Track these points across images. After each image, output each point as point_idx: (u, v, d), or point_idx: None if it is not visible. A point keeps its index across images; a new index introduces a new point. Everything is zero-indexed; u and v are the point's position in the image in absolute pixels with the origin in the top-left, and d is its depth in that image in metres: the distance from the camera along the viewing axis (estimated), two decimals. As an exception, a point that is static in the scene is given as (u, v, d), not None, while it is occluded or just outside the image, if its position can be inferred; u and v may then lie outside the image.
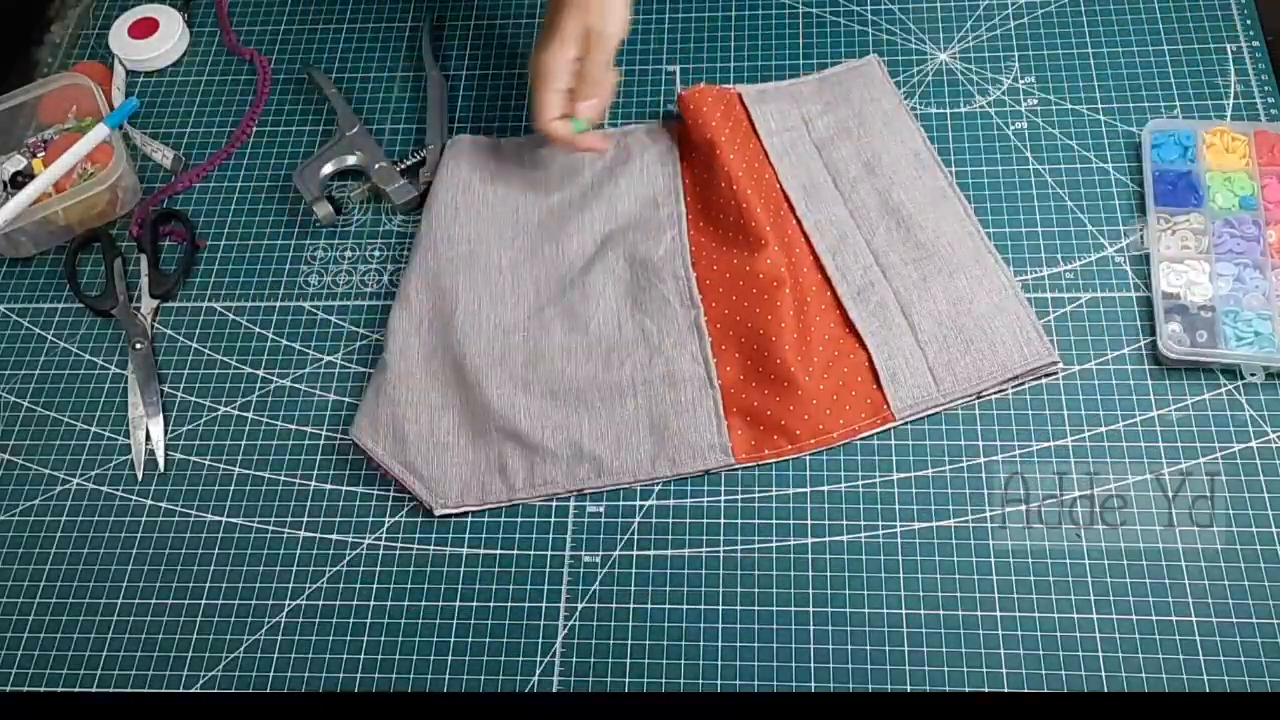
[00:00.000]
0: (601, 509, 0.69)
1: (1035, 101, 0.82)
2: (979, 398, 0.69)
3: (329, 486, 0.71)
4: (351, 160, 0.82)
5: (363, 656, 0.65)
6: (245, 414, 0.74)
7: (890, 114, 0.80)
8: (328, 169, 0.81)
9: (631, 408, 0.70)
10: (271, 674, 0.65)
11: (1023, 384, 0.70)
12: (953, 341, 0.70)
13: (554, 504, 0.69)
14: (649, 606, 0.65)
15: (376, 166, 0.81)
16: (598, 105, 0.74)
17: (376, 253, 0.80)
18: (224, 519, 0.71)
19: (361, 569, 0.68)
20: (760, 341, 0.71)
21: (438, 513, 0.68)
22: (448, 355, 0.73)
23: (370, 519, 0.70)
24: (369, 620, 0.66)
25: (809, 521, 0.67)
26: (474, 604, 0.66)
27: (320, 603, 0.67)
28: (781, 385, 0.70)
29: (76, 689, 0.66)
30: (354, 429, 0.71)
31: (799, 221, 0.76)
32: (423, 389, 0.72)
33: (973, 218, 0.75)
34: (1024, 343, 0.70)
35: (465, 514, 0.69)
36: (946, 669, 0.62)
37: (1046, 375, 0.70)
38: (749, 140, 0.80)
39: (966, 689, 0.62)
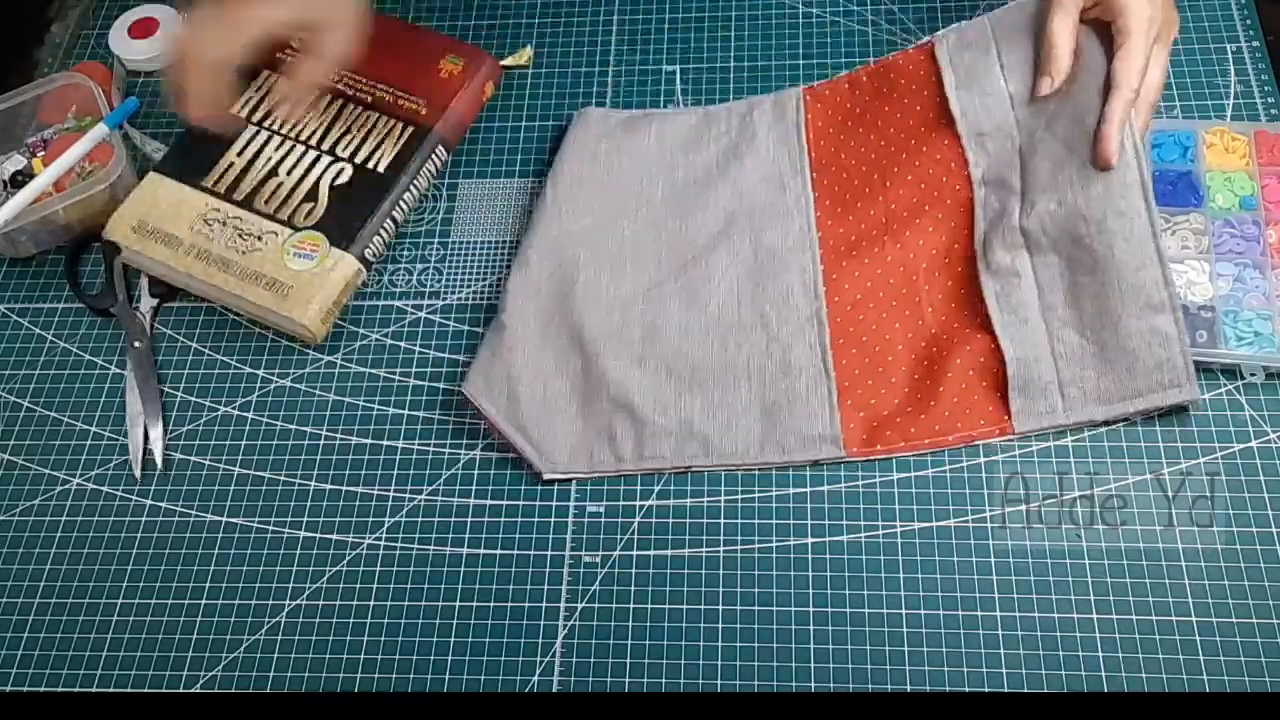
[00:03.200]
0: (601, 509, 0.69)
1: (1035, 101, 0.81)
2: (1104, 424, 0.67)
3: (329, 486, 0.71)
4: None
5: (363, 656, 0.65)
6: (245, 414, 0.74)
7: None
8: None
9: (745, 391, 0.70)
10: (271, 674, 0.65)
11: (1151, 417, 0.67)
12: (1090, 361, 0.66)
13: (554, 504, 0.69)
14: (649, 606, 0.65)
15: None
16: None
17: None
18: (224, 519, 0.71)
19: (361, 569, 0.68)
20: (883, 339, 0.71)
21: (545, 476, 0.69)
22: (565, 322, 0.73)
23: (370, 519, 0.70)
24: (369, 620, 0.66)
25: (809, 521, 0.67)
26: (474, 604, 0.66)
27: (320, 603, 0.67)
28: (902, 386, 0.69)
29: (76, 689, 0.66)
30: (466, 385, 0.71)
31: (968, 174, 0.73)
32: (537, 353, 0.72)
33: (1148, 192, 0.66)
34: (1166, 374, 0.65)
35: (569, 479, 0.69)
36: (946, 669, 0.62)
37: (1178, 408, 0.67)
38: (923, 91, 0.76)
39: (966, 689, 0.62)
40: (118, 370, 0.77)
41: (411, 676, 0.64)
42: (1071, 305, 0.68)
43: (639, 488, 0.69)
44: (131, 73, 0.92)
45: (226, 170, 0.79)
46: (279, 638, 0.66)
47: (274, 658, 0.66)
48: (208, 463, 0.73)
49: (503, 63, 0.87)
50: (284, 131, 0.81)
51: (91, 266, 0.82)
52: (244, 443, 0.73)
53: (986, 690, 0.61)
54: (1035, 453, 0.68)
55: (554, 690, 0.63)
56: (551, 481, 0.69)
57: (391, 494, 0.70)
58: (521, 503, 0.69)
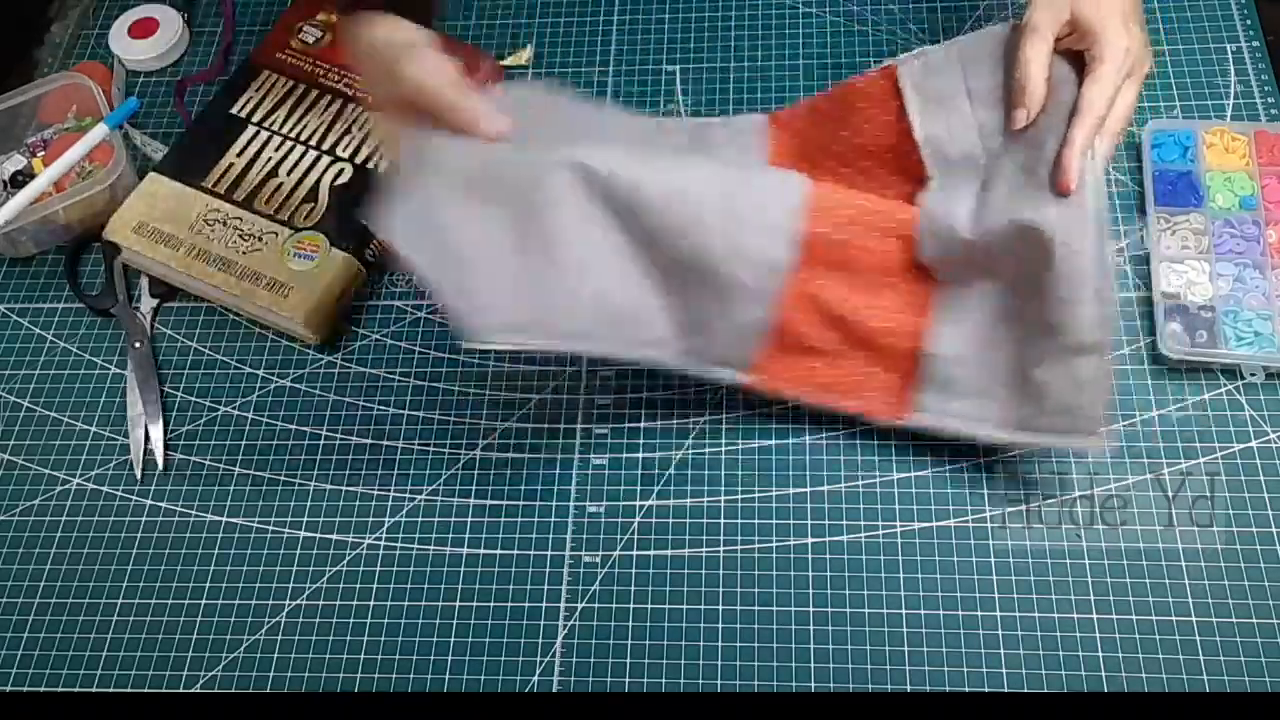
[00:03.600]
0: (601, 509, 0.69)
1: (1035, 101, 0.81)
2: (997, 451, 0.67)
3: (329, 486, 0.71)
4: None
5: (363, 656, 0.65)
6: (245, 414, 0.74)
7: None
8: None
9: (684, 290, 0.65)
10: (271, 674, 0.65)
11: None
12: (1011, 384, 0.65)
13: (554, 504, 0.69)
14: (649, 606, 0.65)
15: None
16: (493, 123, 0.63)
17: (376, 253, 0.80)
18: (224, 519, 0.71)
19: (361, 569, 0.68)
20: (835, 299, 0.67)
21: (474, 343, 0.60)
22: (510, 168, 0.64)
23: (370, 519, 0.70)
24: (369, 620, 0.66)
25: (809, 521, 0.67)
26: (474, 604, 0.66)
27: (320, 603, 0.67)
28: (832, 338, 0.67)
29: (76, 689, 0.66)
30: (382, 228, 0.62)
31: (927, 193, 0.70)
32: (467, 197, 0.63)
33: (1101, 227, 0.63)
34: (1076, 419, 0.63)
35: (488, 354, 0.69)
36: (946, 669, 0.62)
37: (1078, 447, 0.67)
38: (883, 116, 0.73)
39: (966, 689, 0.62)
40: (118, 370, 0.77)
41: (411, 676, 0.64)
42: (1008, 327, 0.66)
43: (639, 488, 0.69)
44: (131, 73, 0.92)
45: (227, 170, 0.79)
46: (279, 638, 0.66)
47: (274, 658, 0.66)
48: (208, 463, 0.73)
49: (502, 63, 0.87)
50: (284, 132, 0.81)
51: (91, 266, 0.82)
52: (244, 443, 0.73)
53: (986, 690, 0.61)
54: (1035, 453, 0.68)
55: (554, 690, 0.63)
56: (474, 352, 0.66)
57: (391, 494, 0.70)
58: (521, 503, 0.69)
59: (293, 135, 0.81)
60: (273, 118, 0.82)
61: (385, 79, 0.64)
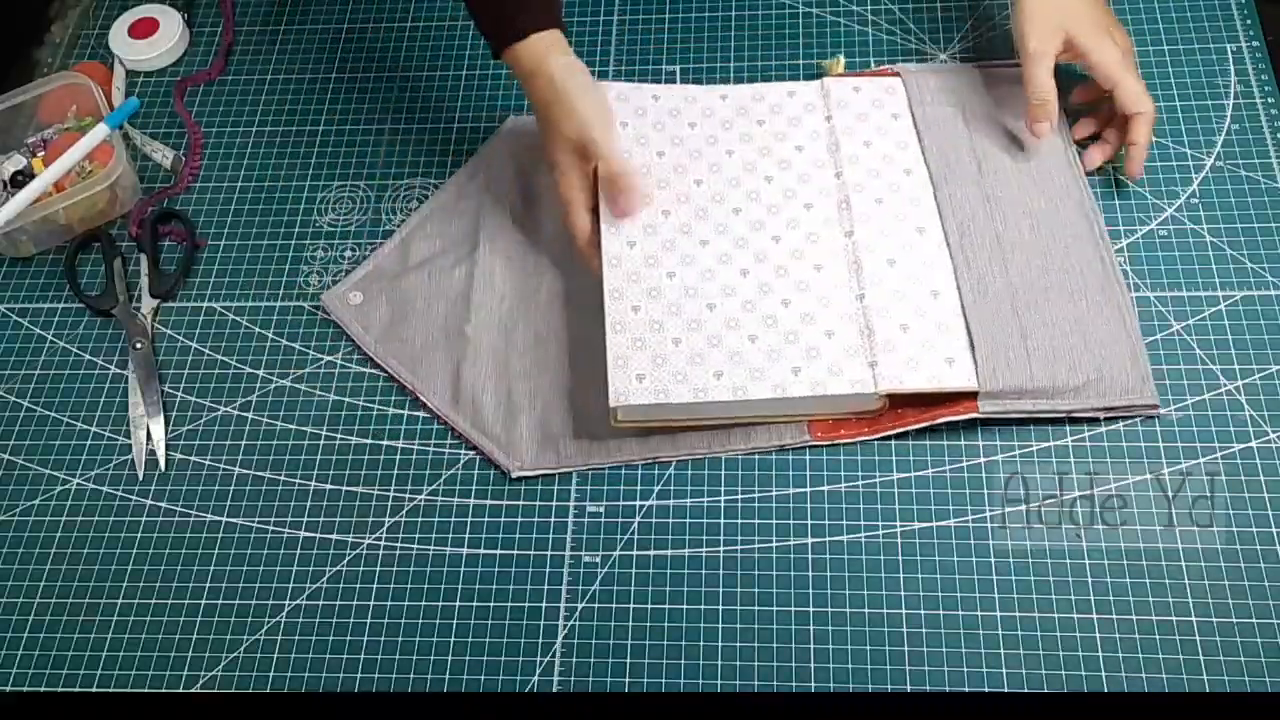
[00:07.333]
0: (601, 509, 0.69)
1: (1035, 101, 0.81)
2: (1069, 418, 0.68)
3: (329, 486, 0.71)
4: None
5: (363, 656, 0.65)
6: (245, 414, 0.74)
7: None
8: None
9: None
10: (271, 674, 0.65)
11: (1115, 418, 0.68)
12: (1060, 355, 0.68)
13: (554, 504, 0.69)
14: (649, 606, 0.65)
15: None
16: (630, 198, 0.72)
17: (376, 253, 0.80)
18: (224, 519, 0.71)
19: (361, 569, 0.68)
20: None
21: (514, 475, 0.69)
22: (529, 329, 0.74)
23: (370, 519, 0.70)
24: (369, 620, 0.66)
25: (809, 521, 0.67)
26: (474, 604, 0.66)
27: (320, 603, 0.67)
28: None
29: (76, 689, 0.66)
30: (434, 399, 0.72)
31: (934, 193, 0.75)
32: (502, 358, 0.73)
33: (1107, 242, 0.72)
34: (1129, 377, 0.67)
35: (537, 476, 0.70)
36: (946, 669, 0.62)
37: (1142, 415, 0.68)
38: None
39: (966, 689, 0.61)
40: (118, 370, 0.77)
41: (411, 676, 0.64)
42: (1045, 308, 0.69)
43: (639, 488, 0.69)
44: (131, 73, 0.92)
45: None
46: (279, 638, 0.66)
47: (274, 658, 0.66)
48: (208, 463, 0.73)
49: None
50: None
51: (91, 266, 0.82)
52: (244, 443, 0.73)
53: (986, 690, 0.61)
54: (1035, 453, 0.68)
55: (554, 690, 0.63)
56: (521, 479, 0.70)
57: (391, 494, 0.70)
58: (521, 503, 0.69)
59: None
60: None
61: (560, 118, 0.71)
